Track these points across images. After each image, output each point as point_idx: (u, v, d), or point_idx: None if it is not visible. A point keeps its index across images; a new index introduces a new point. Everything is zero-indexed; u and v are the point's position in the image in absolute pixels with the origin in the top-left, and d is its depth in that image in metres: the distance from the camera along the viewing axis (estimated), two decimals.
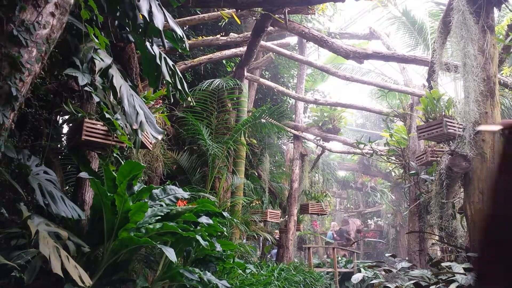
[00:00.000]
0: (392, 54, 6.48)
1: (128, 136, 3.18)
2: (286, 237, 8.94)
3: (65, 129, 5.00)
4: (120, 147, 3.58)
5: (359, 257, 13.77)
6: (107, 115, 3.14)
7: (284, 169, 10.97)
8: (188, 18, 6.72)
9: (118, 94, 2.92)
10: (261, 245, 10.80)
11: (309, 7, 5.97)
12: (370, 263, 7.81)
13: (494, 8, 4.35)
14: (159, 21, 2.69)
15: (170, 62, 3.34)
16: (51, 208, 3.01)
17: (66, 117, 4.47)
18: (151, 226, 3.17)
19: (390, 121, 7.90)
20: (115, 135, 3.39)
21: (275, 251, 10.41)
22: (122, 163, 3.38)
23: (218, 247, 3.82)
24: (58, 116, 4.94)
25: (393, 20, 10.75)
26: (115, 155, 3.65)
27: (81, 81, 2.80)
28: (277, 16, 5.78)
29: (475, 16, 4.20)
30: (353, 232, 16.01)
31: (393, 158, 7.58)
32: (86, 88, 2.87)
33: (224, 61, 8.29)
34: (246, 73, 7.65)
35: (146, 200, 3.40)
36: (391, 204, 14.61)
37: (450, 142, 4.82)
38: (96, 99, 2.96)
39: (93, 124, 3.37)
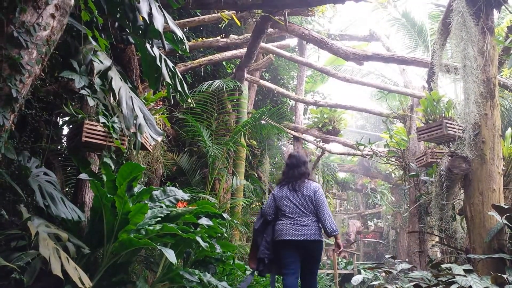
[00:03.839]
0: (392, 55, 6.48)
1: (128, 137, 3.19)
2: None
3: (65, 130, 5.01)
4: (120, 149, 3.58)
5: (359, 259, 13.77)
6: (103, 119, 3.14)
7: None
8: (188, 19, 6.72)
9: (117, 96, 2.92)
10: None
11: (309, 8, 5.98)
12: (370, 265, 7.80)
13: (494, 9, 4.36)
14: (159, 23, 2.69)
15: (170, 64, 3.34)
16: (51, 210, 3.01)
17: (66, 118, 4.48)
18: (151, 228, 3.17)
19: (390, 122, 7.91)
20: (115, 137, 3.39)
21: None
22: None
23: (218, 249, 3.83)
24: (58, 118, 4.95)
25: (393, 22, 10.75)
26: (115, 156, 3.65)
27: (77, 84, 2.79)
28: (277, 18, 5.79)
29: (475, 17, 4.21)
30: (353, 233, 15.99)
31: (393, 159, 7.58)
32: (82, 91, 2.85)
33: (224, 63, 8.29)
34: (246, 75, 7.65)
35: (146, 202, 3.41)
36: (391, 205, 14.59)
37: (450, 143, 4.82)
38: (91, 103, 2.93)
39: (93, 125, 3.37)
